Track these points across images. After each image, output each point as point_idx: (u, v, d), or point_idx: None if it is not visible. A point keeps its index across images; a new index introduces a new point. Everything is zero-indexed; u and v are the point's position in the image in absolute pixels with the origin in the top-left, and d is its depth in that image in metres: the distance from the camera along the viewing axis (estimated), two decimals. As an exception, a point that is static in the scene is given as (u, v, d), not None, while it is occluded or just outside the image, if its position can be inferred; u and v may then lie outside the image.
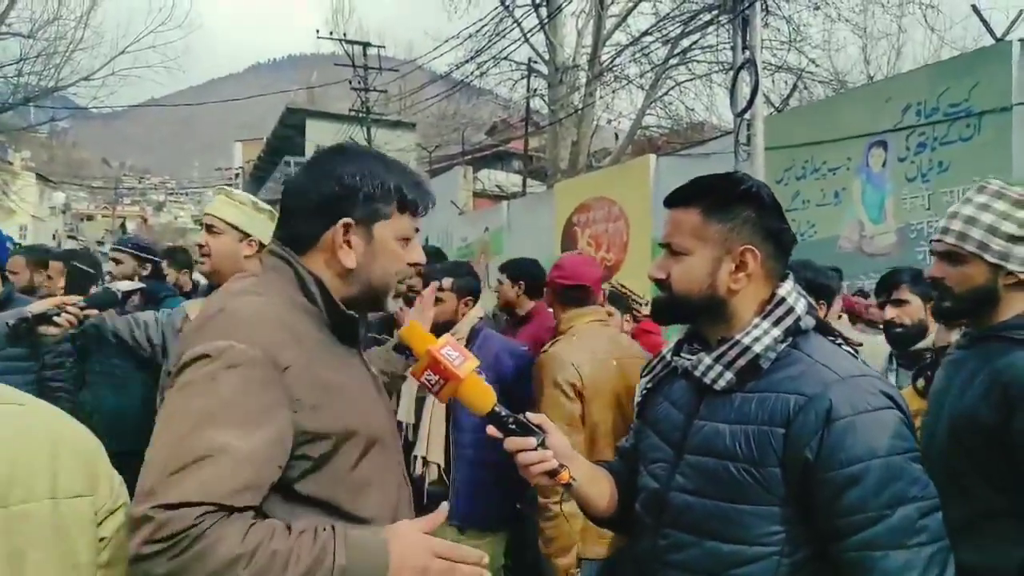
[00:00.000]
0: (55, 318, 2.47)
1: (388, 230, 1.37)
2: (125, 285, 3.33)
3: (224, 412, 1.14)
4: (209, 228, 2.49)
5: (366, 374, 1.43)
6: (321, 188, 1.35)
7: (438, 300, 3.06)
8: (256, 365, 1.17)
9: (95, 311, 2.73)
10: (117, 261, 3.96)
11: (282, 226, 1.40)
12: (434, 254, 4.50)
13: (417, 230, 1.42)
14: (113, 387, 3.67)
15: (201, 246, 2.51)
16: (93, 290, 3.39)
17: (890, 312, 2.88)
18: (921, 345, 2.80)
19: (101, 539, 1.31)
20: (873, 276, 6.72)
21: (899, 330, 2.85)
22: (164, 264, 4.38)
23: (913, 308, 2.83)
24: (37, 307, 2.53)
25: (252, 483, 1.13)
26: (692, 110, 15.31)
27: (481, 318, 3.16)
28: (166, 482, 1.09)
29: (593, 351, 2.75)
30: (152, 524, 1.08)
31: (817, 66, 14.21)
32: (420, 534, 1.19)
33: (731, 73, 8.01)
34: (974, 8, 7.46)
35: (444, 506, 1.24)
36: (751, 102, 7.37)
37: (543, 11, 14.51)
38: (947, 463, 1.64)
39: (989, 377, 1.64)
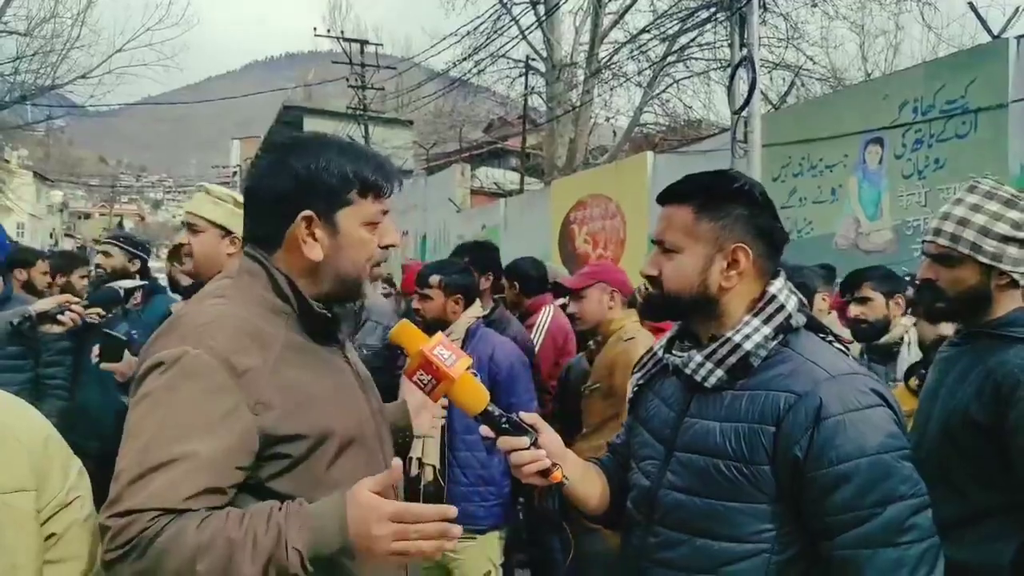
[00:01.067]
0: (59, 316, 2.47)
1: (352, 217, 1.33)
2: (127, 283, 3.32)
3: (181, 421, 1.15)
4: (191, 227, 2.44)
5: (347, 372, 1.41)
6: (277, 184, 1.32)
7: (426, 297, 3.07)
8: (211, 371, 1.17)
9: (99, 310, 2.73)
10: (107, 254, 3.91)
11: (248, 226, 1.38)
12: (473, 248, 4.38)
13: (385, 212, 1.38)
14: (104, 386, 3.66)
15: (183, 245, 2.45)
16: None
17: (854, 309, 3.01)
18: (886, 339, 2.93)
19: (51, 535, 1.27)
20: (870, 273, 6.75)
21: (863, 326, 2.99)
22: (167, 263, 4.38)
23: (876, 305, 2.97)
24: (40, 305, 2.53)
25: (210, 487, 1.14)
26: (690, 107, 15.34)
27: (478, 317, 3.15)
28: (125, 491, 1.12)
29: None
30: (110, 532, 1.11)
31: (815, 63, 14.23)
32: (374, 499, 1.14)
33: (729, 70, 8.01)
34: (971, 6, 7.47)
35: (397, 463, 1.20)
36: (748, 99, 7.38)
37: (540, 8, 14.50)
38: (938, 461, 1.64)
39: (981, 375, 1.64)
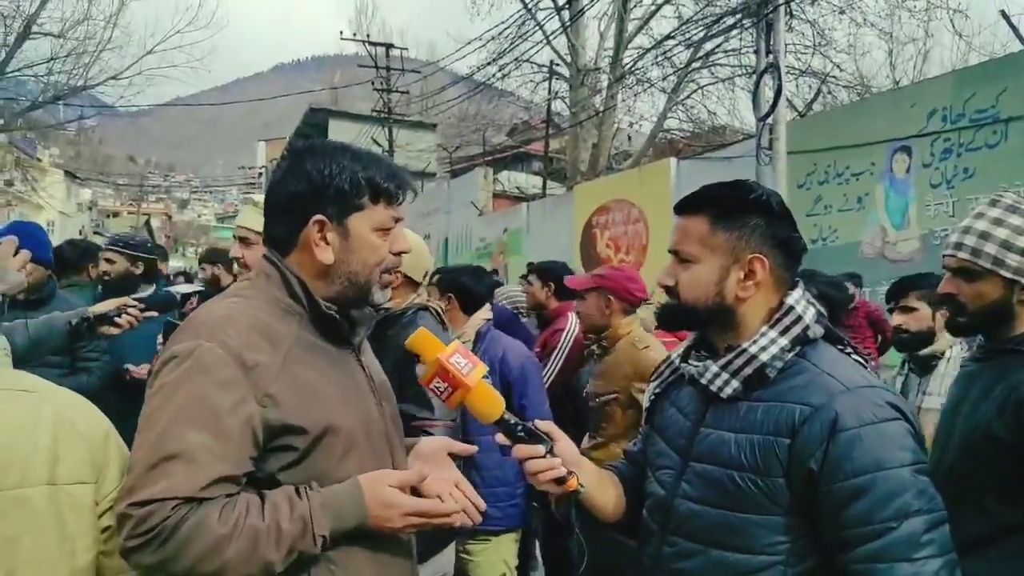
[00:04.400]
0: (116, 318, 2.52)
1: (364, 222, 1.37)
2: (185, 288, 3.41)
3: (192, 412, 1.19)
4: (243, 240, 2.48)
5: (358, 375, 1.43)
6: (292, 188, 1.37)
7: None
8: (222, 364, 1.22)
9: (155, 313, 2.77)
10: (110, 260, 3.94)
11: (267, 229, 1.43)
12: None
13: (398, 219, 1.41)
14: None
15: (238, 259, 2.49)
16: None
17: (898, 319, 2.95)
18: (928, 351, 2.87)
19: (107, 527, 1.33)
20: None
21: (904, 336, 2.93)
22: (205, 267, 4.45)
23: (921, 315, 2.90)
24: (98, 308, 2.58)
25: (224, 476, 1.18)
26: (714, 114, 15.23)
27: (487, 319, 3.17)
28: (142, 480, 1.16)
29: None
30: (132, 521, 1.15)
31: (842, 70, 14.09)
32: (394, 496, 1.29)
33: (754, 77, 7.96)
34: (1003, 14, 7.37)
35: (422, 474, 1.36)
36: (774, 106, 7.32)
37: (565, 13, 14.51)
38: (960, 477, 1.62)
39: (1004, 391, 1.61)
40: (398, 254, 1.42)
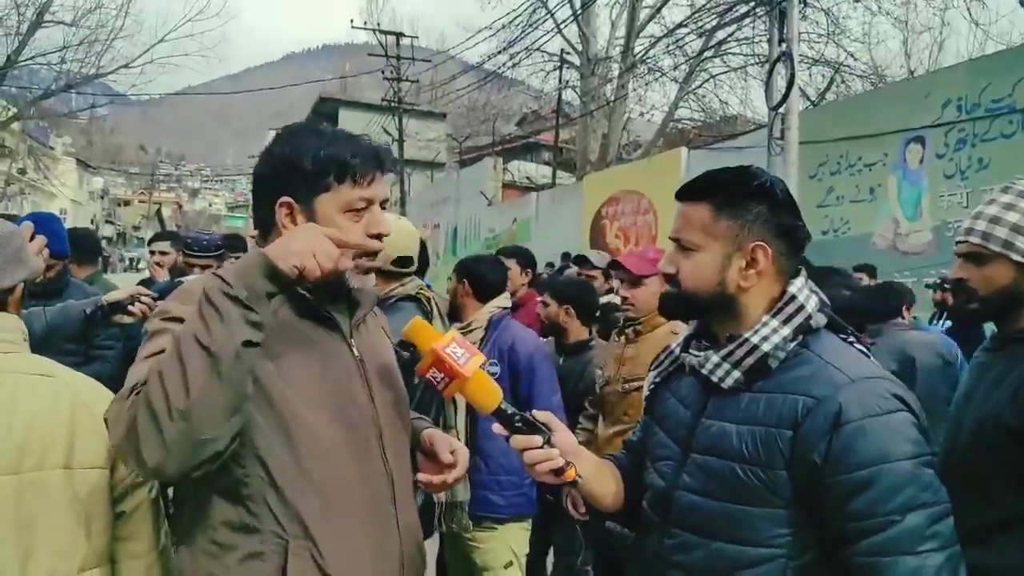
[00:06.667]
0: (129, 307, 2.55)
1: (330, 204, 1.33)
2: (192, 279, 3.45)
3: (155, 343, 1.23)
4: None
5: (342, 355, 1.40)
6: (262, 172, 1.37)
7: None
8: (185, 302, 1.25)
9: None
10: (205, 267, 4.09)
11: (254, 212, 1.43)
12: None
13: (370, 200, 1.36)
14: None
15: None
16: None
17: None
18: None
19: (121, 513, 1.38)
20: (907, 275, 6.59)
21: None
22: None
23: None
24: (112, 296, 2.61)
25: None
26: (726, 103, 15.16)
27: (502, 307, 3.14)
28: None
29: None
30: (107, 421, 1.17)
31: (856, 60, 13.98)
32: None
33: (767, 66, 7.89)
34: (1021, 2, 7.25)
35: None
36: (786, 96, 7.25)
37: (576, 2, 14.42)
38: (969, 466, 1.61)
39: (1016, 381, 1.59)
40: (376, 236, 1.37)
